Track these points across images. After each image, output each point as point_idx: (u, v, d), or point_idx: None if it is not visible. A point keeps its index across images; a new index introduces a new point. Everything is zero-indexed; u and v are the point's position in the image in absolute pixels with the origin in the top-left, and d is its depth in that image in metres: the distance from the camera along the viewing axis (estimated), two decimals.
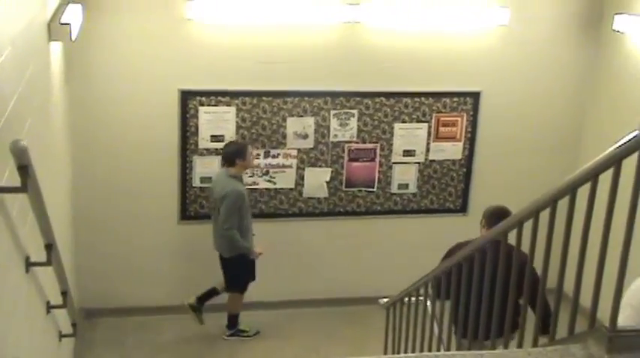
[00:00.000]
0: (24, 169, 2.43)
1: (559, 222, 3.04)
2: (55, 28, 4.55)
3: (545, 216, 3.18)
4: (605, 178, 2.75)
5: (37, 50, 4.03)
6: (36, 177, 2.66)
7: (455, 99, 6.98)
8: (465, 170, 7.18)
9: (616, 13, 6.48)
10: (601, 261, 2.85)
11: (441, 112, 6.99)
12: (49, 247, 3.18)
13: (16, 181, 2.48)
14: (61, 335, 4.51)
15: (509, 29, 6.79)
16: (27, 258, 2.97)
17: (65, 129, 5.88)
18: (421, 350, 4.76)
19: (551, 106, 7.15)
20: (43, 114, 4.21)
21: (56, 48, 5.12)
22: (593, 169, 2.79)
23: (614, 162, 2.69)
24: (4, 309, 2.50)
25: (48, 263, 3.23)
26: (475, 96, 6.99)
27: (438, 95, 6.94)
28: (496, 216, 4.56)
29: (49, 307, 3.74)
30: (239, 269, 6.49)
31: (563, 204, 3.05)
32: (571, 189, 2.96)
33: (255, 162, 6.68)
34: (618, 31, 6.53)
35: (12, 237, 2.68)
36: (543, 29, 6.92)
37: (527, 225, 3.39)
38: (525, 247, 3.37)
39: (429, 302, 4.80)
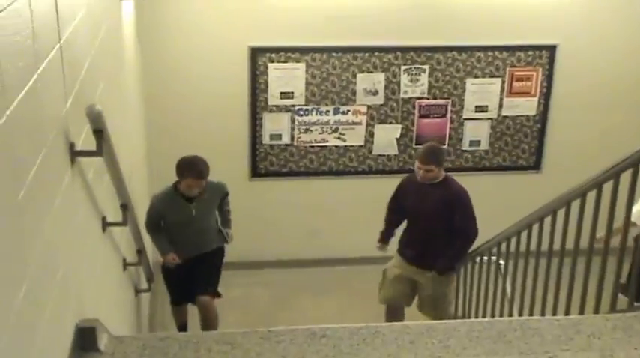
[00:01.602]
0: (99, 133, 2.47)
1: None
2: None
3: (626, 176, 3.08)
4: None
5: (109, 11, 4.06)
6: (110, 141, 2.69)
7: (530, 53, 6.77)
8: (539, 126, 7.00)
9: None
10: None
11: (515, 67, 6.80)
12: (124, 207, 3.24)
13: (92, 145, 2.52)
14: (137, 291, 4.63)
15: None
16: (104, 218, 3.04)
17: (138, 88, 5.96)
18: (493, 313, 4.71)
19: (631, 61, 6.85)
20: (116, 76, 4.26)
21: (128, 6, 5.16)
22: None
23: None
24: (83, 269, 2.56)
25: (124, 223, 3.29)
26: (551, 49, 6.76)
27: (512, 49, 6.74)
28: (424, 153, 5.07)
29: (126, 264, 3.83)
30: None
31: None
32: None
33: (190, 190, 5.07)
34: None
35: (89, 198, 2.73)
36: None
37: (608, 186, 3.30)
38: (605, 207, 3.28)
39: (502, 262, 4.74)
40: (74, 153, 2.36)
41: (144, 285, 4.82)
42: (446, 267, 5.13)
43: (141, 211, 4.83)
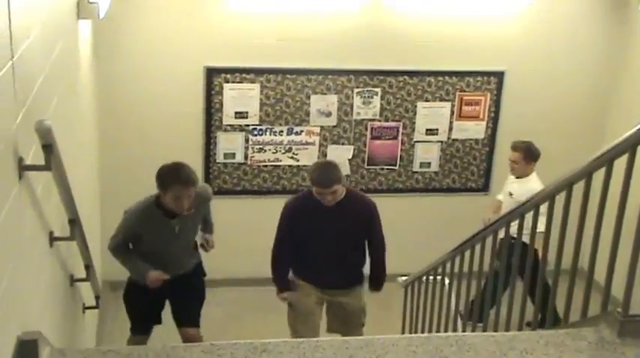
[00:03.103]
0: (48, 148, 2.51)
1: (574, 204, 3.08)
2: (83, 6, 4.64)
3: (561, 199, 3.22)
4: (621, 163, 2.78)
5: (65, 29, 4.09)
6: (60, 156, 2.73)
7: (479, 78, 6.96)
8: (487, 149, 7.18)
9: None
10: (614, 244, 2.88)
11: (465, 91, 6.98)
12: (72, 222, 3.26)
13: (41, 160, 2.56)
14: (85, 308, 4.63)
15: (534, 8, 6.75)
16: (51, 233, 3.06)
17: (93, 106, 5.97)
18: (437, 330, 4.81)
19: (576, 87, 7.11)
20: (70, 93, 4.28)
21: (85, 26, 5.19)
22: (607, 155, 2.81)
23: (629, 147, 2.71)
24: (28, 282, 2.58)
25: (71, 238, 3.31)
26: (499, 75, 6.97)
27: (461, 74, 6.93)
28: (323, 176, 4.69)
29: (73, 280, 3.84)
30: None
31: (578, 188, 3.08)
32: (587, 174, 2.98)
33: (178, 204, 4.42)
34: None
35: (37, 212, 2.76)
36: (569, 8, 6.87)
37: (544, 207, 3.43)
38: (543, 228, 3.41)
39: (447, 281, 4.85)
40: (22, 168, 2.40)
41: (92, 302, 4.81)
42: (381, 281, 5.09)
43: (91, 226, 4.83)
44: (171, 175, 4.27)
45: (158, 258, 4.62)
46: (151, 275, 4.55)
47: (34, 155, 2.57)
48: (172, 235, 4.56)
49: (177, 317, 4.89)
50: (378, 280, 5.12)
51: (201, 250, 5.01)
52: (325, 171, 4.69)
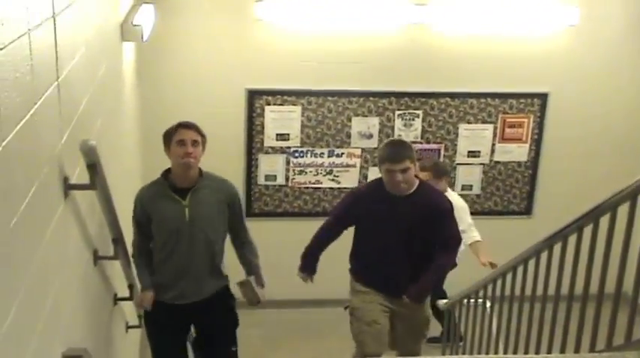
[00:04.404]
0: (92, 167, 2.56)
1: (619, 227, 3.03)
2: (127, 28, 4.71)
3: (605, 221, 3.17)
4: None
5: (109, 51, 4.18)
6: (104, 175, 2.78)
7: (522, 100, 6.91)
8: (530, 172, 7.10)
9: None
10: None
11: (507, 113, 6.93)
12: (116, 241, 3.31)
13: (86, 179, 2.61)
14: (128, 326, 4.67)
15: (578, 29, 6.69)
16: (95, 252, 3.11)
17: (136, 127, 6.07)
18: (479, 352, 4.75)
19: (621, 109, 7.00)
20: (114, 114, 4.37)
21: (128, 48, 5.29)
22: None
23: None
24: (72, 300, 2.62)
25: (115, 257, 3.36)
26: (542, 97, 6.90)
27: (504, 96, 6.88)
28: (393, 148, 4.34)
29: (116, 299, 3.89)
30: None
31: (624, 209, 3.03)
32: (631, 197, 2.94)
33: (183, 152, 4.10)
34: None
35: (81, 231, 2.81)
36: (613, 29, 6.79)
37: (587, 230, 3.38)
38: (585, 251, 3.36)
39: (488, 304, 4.79)
40: (68, 187, 2.45)
41: (135, 321, 4.86)
42: (423, 292, 4.50)
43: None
44: (173, 126, 4.11)
45: (170, 256, 4.10)
46: (144, 295, 4.16)
47: (79, 174, 2.62)
48: (182, 219, 4.03)
49: (211, 342, 4.44)
50: (421, 289, 4.45)
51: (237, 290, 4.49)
52: (396, 145, 4.33)
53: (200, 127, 4.20)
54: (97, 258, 3.12)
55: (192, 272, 4.18)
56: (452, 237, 4.47)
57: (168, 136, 4.09)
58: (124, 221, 3.68)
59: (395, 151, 4.22)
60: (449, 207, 4.42)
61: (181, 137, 4.03)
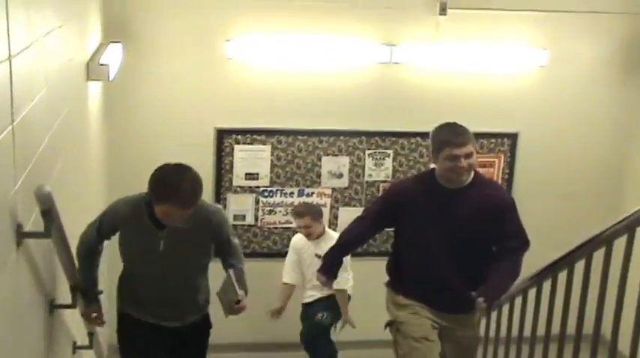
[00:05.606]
0: (47, 214, 2.43)
1: (595, 270, 2.97)
2: (93, 68, 4.62)
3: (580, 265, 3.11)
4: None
5: (74, 91, 4.08)
6: (60, 221, 2.65)
7: (492, 140, 6.90)
8: None
9: None
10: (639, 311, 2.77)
11: (478, 153, 6.85)
12: (74, 289, 3.18)
13: (41, 226, 2.49)
14: None
15: (547, 70, 6.71)
16: (52, 301, 2.97)
17: (102, 169, 5.93)
18: None
19: (591, 150, 7.02)
20: (77, 156, 4.24)
21: (95, 88, 5.18)
22: (626, 224, 2.72)
23: None
24: (27, 351, 2.49)
25: (72, 305, 3.22)
26: (513, 137, 6.90)
27: (474, 136, 6.83)
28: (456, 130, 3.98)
29: (75, 347, 3.74)
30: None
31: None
32: (606, 243, 2.88)
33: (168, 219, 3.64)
34: None
35: (36, 280, 2.68)
36: (583, 70, 6.82)
37: (562, 275, 3.32)
38: (560, 294, 3.30)
39: None
40: (21, 235, 2.33)
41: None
42: (496, 292, 3.72)
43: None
44: (170, 191, 3.46)
45: (142, 281, 3.81)
46: (88, 309, 3.74)
47: (34, 221, 2.50)
48: (155, 251, 3.66)
49: None
50: (495, 289, 3.69)
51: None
52: (457, 127, 3.81)
53: (200, 186, 3.68)
54: (53, 306, 2.98)
55: (169, 302, 3.88)
56: (522, 233, 3.92)
57: (158, 197, 3.57)
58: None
59: (458, 133, 3.73)
60: (512, 199, 3.96)
61: (169, 212, 3.53)
